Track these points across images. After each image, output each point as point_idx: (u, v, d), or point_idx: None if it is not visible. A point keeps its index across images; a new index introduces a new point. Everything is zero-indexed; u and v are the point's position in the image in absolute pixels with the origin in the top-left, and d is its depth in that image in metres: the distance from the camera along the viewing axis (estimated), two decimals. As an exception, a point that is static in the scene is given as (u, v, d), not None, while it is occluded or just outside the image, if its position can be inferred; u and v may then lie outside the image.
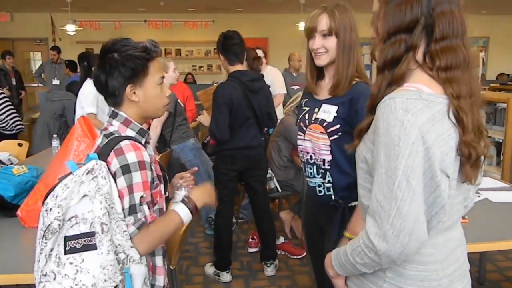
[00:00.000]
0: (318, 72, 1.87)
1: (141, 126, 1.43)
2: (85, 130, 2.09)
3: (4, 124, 5.20)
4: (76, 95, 4.74)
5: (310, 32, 1.78)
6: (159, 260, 1.45)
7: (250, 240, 3.66)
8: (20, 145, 4.06)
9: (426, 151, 0.97)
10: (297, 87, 5.75)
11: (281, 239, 3.61)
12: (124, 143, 1.32)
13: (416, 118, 0.96)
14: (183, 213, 1.43)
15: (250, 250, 3.63)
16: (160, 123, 3.47)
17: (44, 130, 4.33)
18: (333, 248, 1.81)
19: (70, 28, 8.92)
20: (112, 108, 1.44)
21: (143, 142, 1.41)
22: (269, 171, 3.54)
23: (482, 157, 1.07)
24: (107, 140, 1.35)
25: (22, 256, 1.81)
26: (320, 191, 1.86)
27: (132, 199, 1.30)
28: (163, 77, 1.46)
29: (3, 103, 5.22)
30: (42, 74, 7.76)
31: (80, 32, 9.78)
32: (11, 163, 3.39)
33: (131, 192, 1.30)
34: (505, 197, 2.41)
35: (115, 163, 1.30)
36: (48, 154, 3.66)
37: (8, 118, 5.22)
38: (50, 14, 10.09)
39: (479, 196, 2.36)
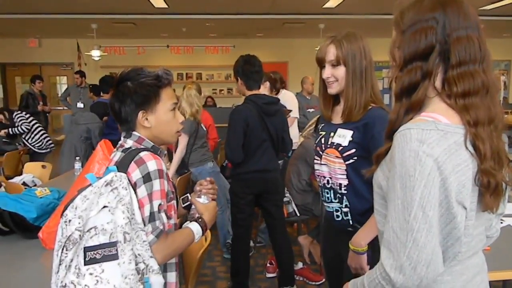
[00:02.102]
0: (334, 98, 1.88)
1: (153, 144, 1.48)
2: (106, 153, 2.14)
3: (40, 143, 5.51)
4: (100, 116, 4.89)
5: (320, 63, 1.83)
6: (171, 276, 1.47)
7: (268, 265, 3.63)
8: (43, 167, 4.16)
9: (442, 182, 0.96)
10: (312, 109, 5.78)
11: (300, 265, 3.57)
12: (143, 153, 1.38)
13: (432, 149, 0.95)
14: (197, 231, 1.50)
15: (268, 275, 3.59)
16: (182, 150, 3.56)
17: (71, 152, 4.46)
18: (351, 275, 1.80)
19: (95, 54, 9.22)
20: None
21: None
22: (287, 194, 3.53)
23: (504, 185, 1.05)
24: (124, 154, 1.41)
25: (43, 278, 1.84)
26: (337, 216, 1.84)
27: (152, 207, 1.34)
28: (175, 103, 1.52)
29: (34, 124, 5.54)
30: (67, 98, 7.98)
31: (105, 57, 10.08)
32: (35, 185, 3.48)
33: (151, 200, 1.34)
34: (529, 224, 2.34)
35: (136, 173, 1.34)
36: (70, 176, 3.74)
37: (42, 137, 5.53)
38: (76, 40, 10.44)
39: (501, 222, 2.29)
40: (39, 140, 5.54)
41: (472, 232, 1.05)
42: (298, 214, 3.55)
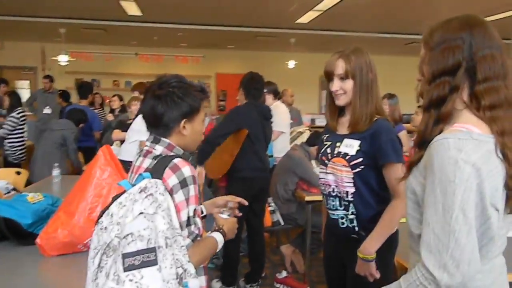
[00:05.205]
0: (339, 110, 1.97)
1: (183, 151, 1.51)
2: (108, 159, 2.11)
3: (13, 152, 5.22)
4: (76, 123, 4.75)
5: (328, 75, 1.90)
6: (201, 280, 1.50)
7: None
8: (18, 173, 4.01)
9: (478, 186, 1.05)
10: (291, 121, 5.87)
11: (283, 273, 3.61)
12: (177, 160, 1.41)
13: (469, 157, 1.04)
14: (220, 241, 1.56)
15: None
16: None
17: (44, 159, 4.30)
18: (356, 281, 1.86)
19: (63, 59, 8.96)
20: (154, 135, 1.51)
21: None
22: (272, 204, 3.59)
23: None
24: (155, 161, 1.43)
25: (42, 285, 1.80)
26: (342, 223, 1.91)
27: (188, 212, 1.38)
28: (205, 114, 1.57)
29: (19, 131, 5.26)
30: (33, 103, 7.70)
31: (70, 63, 9.81)
32: (8, 192, 3.34)
33: (188, 205, 1.37)
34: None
35: (173, 179, 1.37)
36: (49, 183, 3.63)
37: (18, 146, 5.27)
38: (41, 44, 10.13)
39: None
40: (11, 148, 5.21)
41: (500, 233, 1.14)
42: (283, 223, 3.61)
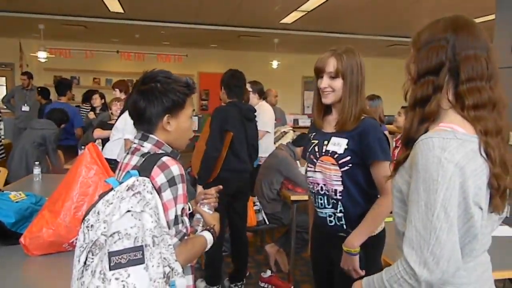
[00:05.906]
0: (325, 108, 1.98)
1: (172, 149, 1.50)
2: (94, 157, 2.07)
3: None
4: (57, 123, 4.66)
5: (318, 72, 1.90)
6: (188, 279, 1.49)
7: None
8: (-3, 171, 3.92)
9: (461, 185, 1.07)
10: (275, 121, 5.89)
11: (268, 273, 3.62)
12: (165, 158, 1.40)
13: (452, 156, 1.06)
14: (209, 241, 1.56)
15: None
16: None
17: (22, 158, 4.20)
18: (343, 279, 1.88)
19: (42, 55, 8.77)
20: (142, 132, 1.50)
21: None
22: (257, 203, 3.59)
23: (508, 190, 1.17)
24: (143, 158, 1.41)
25: (26, 285, 1.77)
26: (330, 221, 1.92)
27: (176, 211, 1.37)
28: (193, 110, 1.55)
29: None
30: (11, 100, 7.52)
31: (49, 59, 9.62)
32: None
33: (176, 204, 1.36)
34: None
35: (161, 177, 1.35)
36: (29, 182, 3.55)
37: None
38: (19, 39, 9.90)
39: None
40: None
41: (484, 231, 1.16)
42: (268, 223, 3.61)
